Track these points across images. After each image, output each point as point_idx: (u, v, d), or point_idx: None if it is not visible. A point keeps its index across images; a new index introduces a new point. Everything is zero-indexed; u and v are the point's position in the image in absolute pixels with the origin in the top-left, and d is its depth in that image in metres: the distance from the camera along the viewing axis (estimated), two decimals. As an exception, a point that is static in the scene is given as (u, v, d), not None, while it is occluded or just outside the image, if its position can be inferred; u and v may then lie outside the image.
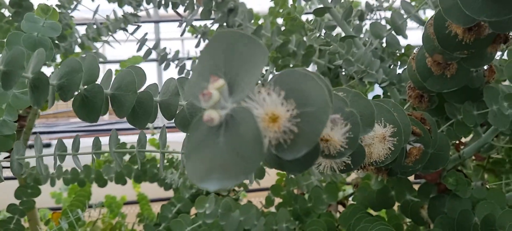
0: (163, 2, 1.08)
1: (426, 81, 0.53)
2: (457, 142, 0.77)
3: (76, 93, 0.35)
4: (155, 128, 1.68)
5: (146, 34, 1.15)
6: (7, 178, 1.41)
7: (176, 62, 1.17)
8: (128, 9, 1.22)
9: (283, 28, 1.14)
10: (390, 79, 0.83)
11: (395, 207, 0.82)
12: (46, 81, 0.32)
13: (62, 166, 1.04)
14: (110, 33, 1.20)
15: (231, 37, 0.24)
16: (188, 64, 1.20)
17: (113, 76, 0.41)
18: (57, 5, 1.10)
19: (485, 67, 0.55)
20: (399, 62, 0.98)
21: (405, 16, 0.91)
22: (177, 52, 1.22)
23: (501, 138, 0.85)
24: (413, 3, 1.00)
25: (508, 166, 0.89)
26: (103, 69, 0.40)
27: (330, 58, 1.04)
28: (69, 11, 1.12)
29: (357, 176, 1.20)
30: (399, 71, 0.89)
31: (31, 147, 0.72)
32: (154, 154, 1.44)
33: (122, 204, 1.53)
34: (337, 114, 0.31)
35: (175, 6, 1.09)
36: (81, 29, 1.22)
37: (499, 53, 0.68)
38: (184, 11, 1.19)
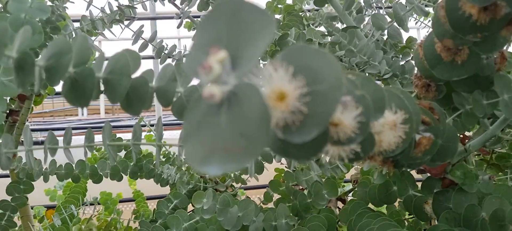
0: (159, -7, 1.06)
1: (434, 68, 0.51)
2: (462, 135, 0.75)
3: (65, 76, 0.32)
4: (152, 125, 1.65)
5: (142, 26, 1.13)
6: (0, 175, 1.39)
7: (172, 56, 1.14)
8: (124, 1, 1.19)
9: (281, 23, 1.12)
10: (393, 70, 0.81)
11: (396, 203, 0.80)
12: (31, 61, 0.29)
13: (56, 162, 1.02)
14: (105, 26, 1.17)
15: (234, 5, 0.22)
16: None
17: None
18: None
19: (496, 55, 0.53)
20: (400, 55, 0.96)
21: (407, 7, 0.89)
22: (173, 46, 1.19)
23: (506, 131, 0.83)
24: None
25: (513, 160, 0.87)
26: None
27: (330, 50, 1.01)
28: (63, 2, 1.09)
29: (356, 172, 1.18)
30: (401, 63, 0.87)
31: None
32: (151, 150, 1.42)
33: (117, 201, 1.51)
34: (348, 96, 0.29)
35: (172, -2, 1.07)
36: (76, 25, 1.19)
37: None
38: (181, 3, 1.16)
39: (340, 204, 1.16)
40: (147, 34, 1.19)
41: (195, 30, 1.14)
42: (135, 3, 1.17)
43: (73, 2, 1.14)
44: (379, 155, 0.39)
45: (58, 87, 0.34)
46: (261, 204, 1.11)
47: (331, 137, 0.29)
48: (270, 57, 1.07)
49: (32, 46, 0.52)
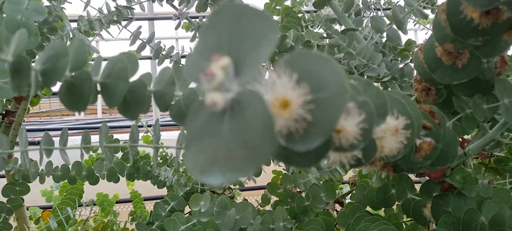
0: (157, -6, 1.05)
1: (434, 72, 0.51)
2: (461, 138, 0.74)
3: (61, 79, 0.32)
4: (149, 126, 1.65)
5: (140, 27, 1.12)
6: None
7: (170, 57, 1.14)
8: (121, 1, 1.18)
9: (279, 24, 1.12)
10: (392, 73, 0.81)
11: (394, 206, 0.80)
12: (27, 65, 0.29)
13: (53, 163, 1.01)
14: (103, 27, 1.16)
15: (236, 10, 0.21)
16: (183, 61, 1.17)
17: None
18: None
19: (496, 59, 0.53)
20: (399, 58, 0.95)
21: (406, 10, 0.88)
22: (171, 47, 1.19)
23: (504, 135, 0.83)
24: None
25: (512, 164, 0.87)
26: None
27: (328, 53, 1.01)
28: (61, 2, 1.08)
29: (354, 174, 1.18)
30: (400, 66, 0.87)
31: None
32: (148, 151, 1.41)
33: (114, 202, 1.50)
34: (350, 103, 0.28)
35: (170, -1, 1.06)
36: (74, 26, 1.18)
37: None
38: (179, 4, 1.16)
39: (338, 207, 1.16)
40: (145, 35, 1.19)
41: (195, 34, 1.14)
42: (132, 3, 1.16)
43: (70, 3, 1.13)
44: (380, 160, 0.38)
45: (55, 88, 0.34)
46: (259, 206, 1.11)
47: (334, 143, 0.29)
48: (268, 60, 1.06)
49: (28, 48, 0.51)
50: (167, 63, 1.18)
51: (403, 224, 0.89)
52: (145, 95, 0.37)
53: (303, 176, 0.97)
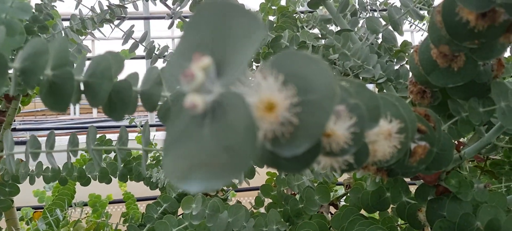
0: (150, -7, 1.04)
1: (430, 75, 0.49)
2: (456, 141, 0.73)
3: (42, 78, 0.31)
4: (142, 126, 1.63)
5: (132, 26, 1.10)
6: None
7: (163, 57, 1.12)
8: (114, 0, 1.17)
9: (274, 25, 1.11)
10: (387, 75, 0.80)
11: (388, 209, 0.79)
12: (4, 63, 0.27)
13: (43, 164, 0.99)
14: (95, 26, 1.15)
15: (220, 7, 0.20)
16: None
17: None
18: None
19: (493, 61, 0.52)
20: (395, 59, 0.94)
21: (402, 10, 0.87)
22: (165, 47, 1.17)
23: (500, 138, 0.82)
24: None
25: (507, 167, 0.86)
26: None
27: (323, 54, 1.00)
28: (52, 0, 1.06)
29: (349, 176, 1.17)
30: (396, 67, 0.86)
31: (17, 144, 0.67)
32: (141, 152, 1.39)
33: (107, 203, 1.49)
34: (341, 105, 0.27)
35: (163, -2, 1.05)
36: (66, 24, 1.17)
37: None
38: (173, 3, 1.14)
39: (332, 209, 1.15)
40: (139, 34, 1.17)
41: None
42: (125, 2, 1.15)
43: (62, 1, 1.12)
44: (373, 165, 0.37)
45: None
46: (252, 208, 1.09)
47: (323, 148, 0.28)
48: (263, 60, 1.05)
49: (13, 47, 0.50)
50: (161, 63, 1.17)
51: (398, 227, 0.88)
52: (130, 96, 0.35)
53: (297, 178, 0.96)
